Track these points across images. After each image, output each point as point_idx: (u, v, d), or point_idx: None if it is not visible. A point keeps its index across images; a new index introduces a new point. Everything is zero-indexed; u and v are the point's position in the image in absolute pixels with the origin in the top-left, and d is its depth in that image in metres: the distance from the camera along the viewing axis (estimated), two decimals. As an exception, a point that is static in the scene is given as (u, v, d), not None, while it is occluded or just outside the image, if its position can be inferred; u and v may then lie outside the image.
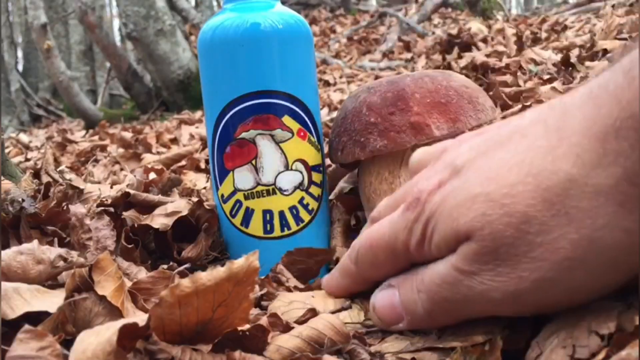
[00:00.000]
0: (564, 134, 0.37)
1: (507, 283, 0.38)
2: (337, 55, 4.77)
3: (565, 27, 2.78)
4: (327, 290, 0.54)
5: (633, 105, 0.34)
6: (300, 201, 0.69)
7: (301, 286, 0.58)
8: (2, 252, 0.50)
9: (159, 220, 0.73)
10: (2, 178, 0.79)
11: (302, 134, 0.68)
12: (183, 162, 1.59)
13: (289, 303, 0.54)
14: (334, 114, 1.91)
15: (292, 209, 0.68)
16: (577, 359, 0.35)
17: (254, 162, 0.67)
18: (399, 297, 0.45)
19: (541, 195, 0.36)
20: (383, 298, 0.47)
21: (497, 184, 0.38)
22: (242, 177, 0.68)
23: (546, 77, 1.49)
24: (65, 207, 0.71)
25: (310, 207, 0.69)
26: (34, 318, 0.43)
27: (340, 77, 3.44)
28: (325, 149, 0.73)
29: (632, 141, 0.34)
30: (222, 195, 0.70)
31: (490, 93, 1.19)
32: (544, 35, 2.62)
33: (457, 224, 0.39)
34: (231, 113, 0.67)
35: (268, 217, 0.68)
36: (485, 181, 0.39)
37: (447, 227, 0.40)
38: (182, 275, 0.57)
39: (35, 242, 0.53)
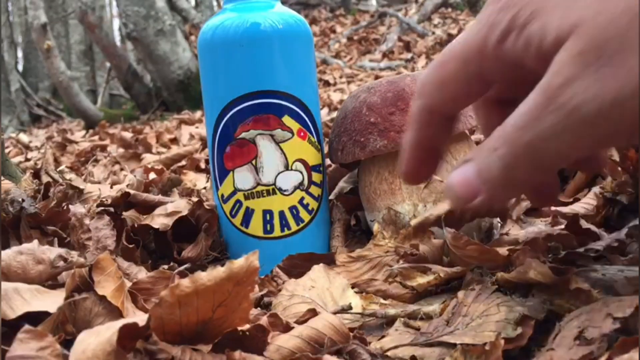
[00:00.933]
0: None
1: (608, 86, 0.32)
2: (337, 55, 4.78)
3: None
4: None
5: None
6: (300, 201, 0.69)
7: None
8: (2, 252, 0.50)
9: (159, 220, 0.73)
10: (2, 178, 0.79)
11: (302, 134, 0.68)
12: (183, 162, 1.59)
13: (290, 297, 0.54)
14: (334, 114, 1.91)
15: (292, 209, 0.68)
16: (585, 337, 0.35)
17: (254, 162, 0.67)
18: (475, 166, 0.39)
19: None
20: (458, 174, 0.40)
21: None
22: (242, 177, 0.68)
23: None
24: (65, 207, 0.71)
25: (310, 207, 0.69)
26: (34, 318, 0.43)
27: (340, 77, 3.44)
28: (325, 149, 0.73)
29: None
30: (222, 195, 0.70)
31: (490, 93, 1.19)
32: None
33: (568, 13, 0.34)
34: (231, 113, 0.67)
35: (268, 217, 0.68)
36: None
37: (553, 18, 0.34)
38: (182, 275, 0.57)
39: (35, 242, 0.53)
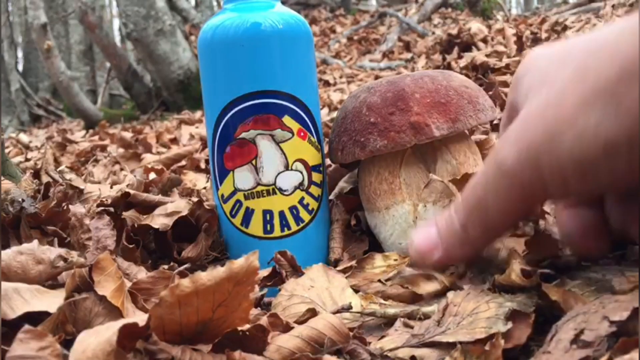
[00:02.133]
0: None
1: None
2: (337, 55, 4.78)
3: (565, 27, 2.78)
4: None
5: None
6: (300, 201, 0.69)
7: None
8: (2, 252, 0.50)
9: (159, 220, 0.73)
10: (2, 178, 0.79)
11: (302, 134, 0.68)
12: (183, 162, 1.59)
13: (289, 297, 0.54)
14: (334, 114, 1.91)
15: (292, 209, 0.68)
16: (582, 340, 0.35)
17: (254, 162, 0.67)
18: (437, 225, 0.46)
19: None
20: (421, 232, 0.47)
21: None
22: (242, 177, 0.68)
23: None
24: (65, 207, 0.71)
25: (310, 207, 0.69)
26: (34, 318, 0.43)
27: (340, 77, 3.44)
28: (325, 149, 0.73)
29: None
30: (222, 195, 0.70)
31: (490, 93, 1.19)
32: (544, 35, 2.62)
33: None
34: (231, 113, 0.67)
35: (268, 217, 0.68)
36: None
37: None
38: (182, 275, 0.57)
39: (35, 242, 0.53)
